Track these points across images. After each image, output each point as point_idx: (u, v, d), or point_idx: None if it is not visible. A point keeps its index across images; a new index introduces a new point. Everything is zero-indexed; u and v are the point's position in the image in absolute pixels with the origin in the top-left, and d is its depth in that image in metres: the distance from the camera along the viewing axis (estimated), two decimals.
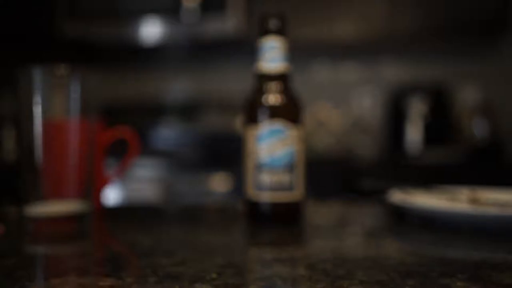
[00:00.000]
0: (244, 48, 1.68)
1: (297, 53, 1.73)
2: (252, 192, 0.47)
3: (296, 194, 0.46)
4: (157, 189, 1.44)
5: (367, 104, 1.84)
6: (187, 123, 1.81)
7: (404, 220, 0.48)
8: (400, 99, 1.65)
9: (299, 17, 1.63)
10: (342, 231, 0.44)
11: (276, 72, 0.47)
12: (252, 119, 0.47)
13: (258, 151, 0.46)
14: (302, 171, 0.47)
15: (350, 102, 1.84)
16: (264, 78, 0.47)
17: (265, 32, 0.47)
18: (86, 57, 1.96)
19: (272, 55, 0.47)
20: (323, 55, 1.85)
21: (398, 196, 0.51)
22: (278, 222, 0.46)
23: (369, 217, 0.54)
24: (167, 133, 1.77)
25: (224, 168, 1.44)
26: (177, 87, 1.96)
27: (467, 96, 1.70)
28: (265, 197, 0.46)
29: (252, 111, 0.47)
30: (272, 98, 0.46)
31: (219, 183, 1.44)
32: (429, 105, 1.60)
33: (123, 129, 0.55)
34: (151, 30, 1.65)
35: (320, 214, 0.55)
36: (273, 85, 0.47)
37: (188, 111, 1.83)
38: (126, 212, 0.58)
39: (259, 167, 0.46)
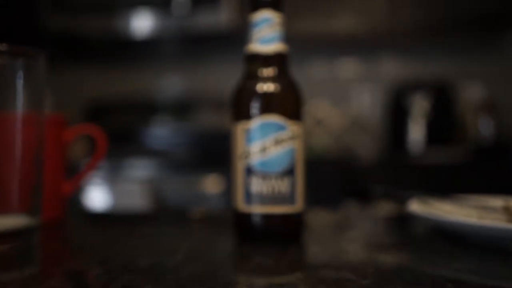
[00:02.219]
0: (239, 42, 1.60)
1: (294, 48, 1.67)
2: (241, 202, 0.38)
3: (294, 204, 0.38)
4: (147, 190, 1.39)
5: (367, 102, 1.80)
6: (180, 121, 1.76)
7: (430, 238, 0.40)
8: (401, 97, 1.61)
9: (297, 11, 1.59)
10: (353, 251, 0.35)
11: (271, 53, 0.38)
12: (241, 112, 0.38)
13: (248, 151, 0.37)
14: (302, 176, 0.39)
15: (349, 100, 1.80)
16: (256, 62, 0.38)
17: (258, 4, 0.38)
18: (72, 52, 1.90)
19: (266, 33, 0.38)
20: (321, 51, 1.81)
21: (420, 207, 0.42)
22: (273, 239, 0.37)
23: (384, 232, 0.45)
24: (159, 132, 1.72)
25: (218, 169, 1.39)
26: (168, 83, 1.92)
27: (471, 93, 1.66)
28: (258, 208, 0.37)
29: (242, 102, 0.38)
30: (266, 86, 0.38)
31: (212, 185, 1.39)
32: (431, 103, 1.57)
33: (88, 126, 0.46)
34: (141, 23, 1.60)
35: (325, 228, 0.46)
36: (268, 71, 0.38)
37: (181, 108, 1.79)
38: (92, 224, 0.49)
39: (250, 172, 0.37)
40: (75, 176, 0.46)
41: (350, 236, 0.42)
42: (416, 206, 0.42)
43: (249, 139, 0.38)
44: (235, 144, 0.39)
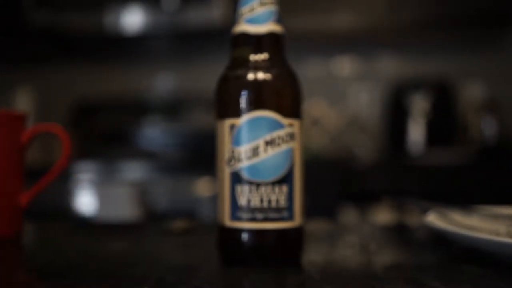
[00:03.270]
0: None
1: (289, 45, 1.64)
2: (228, 216, 0.31)
3: (292, 218, 0.31)
4: (136, 194, 1.36)
5: (365, 101, 1.77)
6: (171, 121, 1.72)
7: (453, 258, 0.34)
8: (401, 96, 1.59)
9: (293, 7, 1.56)
10: (365, 275, 0.29)
11: (263, 35, 0.32)
12: (227, 107, 0.32)
13: (236, 155, 0.31)
14: (300, 184, 0.32)
15: (347, 99, 1.77)
16: (245, 46, 0.32)
17: None
18: (59, 49, 1.85)
19: (258, 11, 0.31)
20: (318, 48, 1.78)
21: (439, 221, 0.36)
22: (266, 261, 0.31)
23: (398, 249, 0.39)
24: (149, 133, 1.69)
25: (210, 171, 1.33)
26: (159, 82, 1.87)
27: (472, 92, 1.63)
28: (247, 223, 0.31)
29: (228, 95, 0.32)
30: (258, 74, 0.31)
31: (204, 188, 1.34)
32: (431, 102, 1.54)
33: (49, 125, 0.40)
34: (131, 19, 1.57)
35: (327, 244, 0.40)
36: (259, 56, 0.32)
37: (172, 108, 1.75)
38: (51, 241, 0.42)
39: (238, 179, 0.31)
40: (34, 185, 0.39)
41: (357, 254, 0.35)
42: (434, 219, 0.36)
43: (236, 140, 0.31)
44: (220, 145, 0.32)
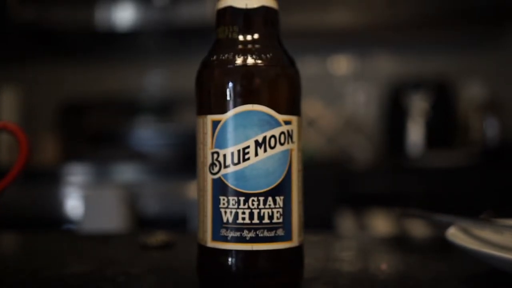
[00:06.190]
0: None
1: (283, 43, 1.64)
2: (209, 234, 0.26)
3: (289, 236, 0.26)
4: (126, 197, 1.33)
5: (363, 101, 1.75)
6: (163, 122, 1.70)
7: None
8: (399, 96, 1.57)
9: (287, 3, 1.54)
10: None
11: (255, 10, 0.26)
12: (210, 100, 0.26)
13: (220, 159, 0.25)
14: (299, 195, 0.26)
15: (343, 99, 1.75)
16: (232, 24, 0.26)
17: None
18: (46, 46, 1.82)
19: None
20: (313, 46, 1.75)
21: (463, 237, 0.30)
22: None
23: (418, 269, 0.33)
24: (141, 133, 1.67)
25: None
26: (151, 80, 1.84)
27: (474, 92, 1.61)
28: (233, 243, 0.25)
29: (211, 86, 0.26)
30: (247, 60, 0.25)
31: None
32: (431, 102, 1.52)
33: (3, 121, 0.34)
34: (121, 15, 1.54)
35: (332, 266, 0.34)
36: (249, 38, 0.26)
37: (164, 108, 1.72)
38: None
39: (223, 188, 0.25)
40: None
41: (364, 274, 0.30)
42: (457, 236, 0.31)
43: (221, 141, 0.25)
44: (200, 147, 0.26)
